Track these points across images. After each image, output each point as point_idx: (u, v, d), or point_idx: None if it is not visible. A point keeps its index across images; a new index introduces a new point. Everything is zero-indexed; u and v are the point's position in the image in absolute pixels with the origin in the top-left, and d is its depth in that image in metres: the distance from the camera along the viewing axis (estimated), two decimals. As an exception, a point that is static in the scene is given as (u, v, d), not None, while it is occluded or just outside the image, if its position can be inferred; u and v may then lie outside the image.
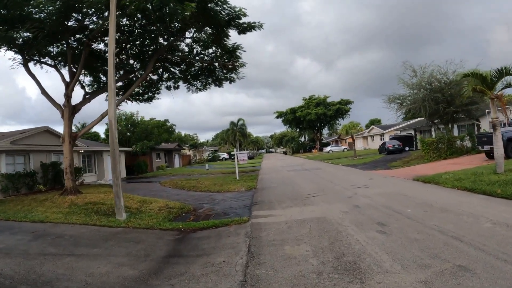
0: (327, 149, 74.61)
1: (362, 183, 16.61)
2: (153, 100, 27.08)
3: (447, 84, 28.14)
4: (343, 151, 71.00)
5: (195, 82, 24.55)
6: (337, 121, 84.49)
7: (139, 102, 26.87)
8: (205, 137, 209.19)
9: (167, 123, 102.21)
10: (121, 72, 22.98)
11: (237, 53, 20.95)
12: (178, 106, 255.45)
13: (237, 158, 26.19)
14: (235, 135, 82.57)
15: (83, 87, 22.88)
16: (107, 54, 22.60)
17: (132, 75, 24.41)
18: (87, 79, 24.21)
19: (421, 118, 56.69)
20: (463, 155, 27.15)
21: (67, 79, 20.00)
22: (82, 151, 30.14)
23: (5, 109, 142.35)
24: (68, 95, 19.64)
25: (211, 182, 23.04)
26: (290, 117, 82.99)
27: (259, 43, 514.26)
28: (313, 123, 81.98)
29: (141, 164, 40.34)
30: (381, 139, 62.44)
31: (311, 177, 22.09)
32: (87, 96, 21.61)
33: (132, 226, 10.90)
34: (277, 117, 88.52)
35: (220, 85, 23.62)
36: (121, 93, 26.51)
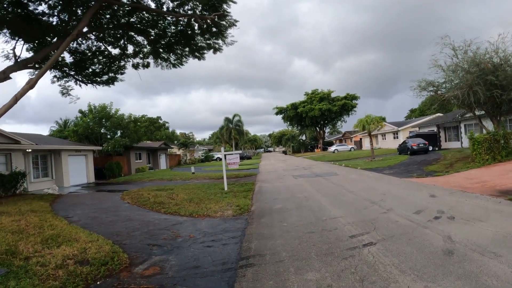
0: (331, 148, 67.76)
1: (431, 207, 9.89)
2: (115, 83, 20.31)
3: (499, 64, 21.50)
4: (350, 150, 64.37)
5: (168, 56, 17.89)
6: (342, 118, 77.40)
7: (95, 84, 20.12)
8: (202, 136, 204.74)
9: (159, 120, 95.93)
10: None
11: (225, 7, 14.24)
12: (176, 105, 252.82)
13: (226, 160, 19.09)
14: (231, 132, 75.18)
15: (17, 61, 16.26)
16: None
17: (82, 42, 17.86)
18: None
19: (440, 114, 50.30)
20: (519, 156, 20.72)
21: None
22: (30, 150, 23.27)
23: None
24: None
25: (188, 195, 16.15)
26: (291, 113, 75.54)
27: (257, 43, 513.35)
28: (316, 120, 74.64)
29: (113, 166, 33.33)
30: (394, 137, 55.73)
31: (333, 190, 15.18)
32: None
33: None
34: (277, 114, 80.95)
35: (200, 56, 16.88)
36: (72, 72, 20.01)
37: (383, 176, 19.70)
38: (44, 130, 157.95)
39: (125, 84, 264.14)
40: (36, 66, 17.88)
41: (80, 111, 38.11)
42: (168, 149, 56.30)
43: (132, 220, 11.59)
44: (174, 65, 17.92)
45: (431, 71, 28.43)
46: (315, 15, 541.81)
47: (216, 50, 16.18)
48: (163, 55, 17.90)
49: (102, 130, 37.30)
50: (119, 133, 38.78)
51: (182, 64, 17.83)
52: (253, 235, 8.34)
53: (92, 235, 9.42)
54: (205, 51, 16.60)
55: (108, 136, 37.54)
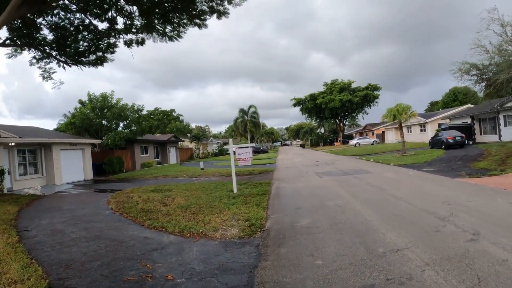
0: (353, 142, 63.97)
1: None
2: (104, 64, 17.19)
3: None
4: (372, 144, 60.53)
5: (163, 27, 14.63)
6: (364, 110, 73.00)
7: (80, 65, 17.01)
8: (219, 129, 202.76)
9: (173, 113, 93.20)
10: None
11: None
12: (193, 99, 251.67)
13: (235, 156, 15.55)
14: (246, 125, 71.20)
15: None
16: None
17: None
18: None
19: (470, 105, 46.39)
20: None
21: None
22: (13, 144, 20.24)
23: (23, 104, 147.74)
24: None
25: (186, 199, 12.77)
26: (310, 104, 71.49)
27: (273, 37, 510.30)
28: (336, 112, 70.45)
29: (113, 161, 30.32)
30: (421, 130, 51.64)
31: (374, 195, 11.63)
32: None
33: None
34: (294, 105, 76.93)
35: (201, 23, 13.68)
36: (54, 52, 16.99)
37: (426, 175, 16.15)
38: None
39: (142, 78, 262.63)
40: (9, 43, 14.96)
41: (80, 101, 34.83)
42: (179, 142, 52.85)
43: (101, 239, 8.36)
44: (170, 38, 14.69)
45: (473, 53, 24.65)
46: (331, 9, 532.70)
47: (221, 14, 12.86)
48: (158, 27, 14.64)
49: (104, 122, 34.03)
50: (121, 125, 35.61)
51: (180, 37, 14.61)
52: (267, 286, 4.95)
53: (29, 267, 6.38)
54: (207, 16, 13.32)
55: (113, 128, 34.32)
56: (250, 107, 73.36)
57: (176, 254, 6.81)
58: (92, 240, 8.33)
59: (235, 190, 14.10)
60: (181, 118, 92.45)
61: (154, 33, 14.94)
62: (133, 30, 15.67)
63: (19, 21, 15.32)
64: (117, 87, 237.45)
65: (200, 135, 64.63)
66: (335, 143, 79.90)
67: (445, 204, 9.20)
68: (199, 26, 13.80)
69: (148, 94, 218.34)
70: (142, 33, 15.72)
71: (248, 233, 7.83)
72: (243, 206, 10.74)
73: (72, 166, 25.98)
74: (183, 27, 14.19)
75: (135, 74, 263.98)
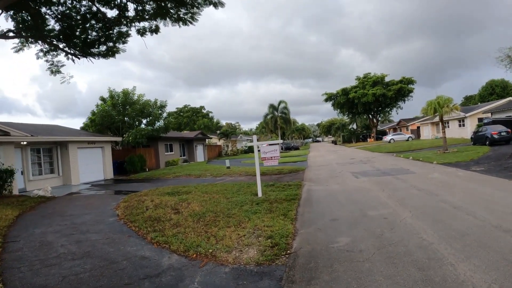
0: (387, 138, 61.24)
1: None
2: (116, 55, 15.79)
3: None
4: (408, 140, 57.80)
5: (177, 11, 13.07)
6: (398, 104, 69.87)
7: (90, 57, 15.69)
8: (249, 126, 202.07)
9: (203, 110, 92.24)
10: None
11: None
12: (224, 97, 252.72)
13: (260, 154, 13.61)
14: (276, 121, 69.17)
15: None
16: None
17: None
18: None
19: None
20: None
21: None
22: (25, 143, 19.10)
23: (56, 103, 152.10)
24: None
25: (202, 205, 11.09)
26: (342, 99, 69.04)
27: (303, 33, 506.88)
28: (369, 107, 67.85)
29: (134, 159, 29.21)
30: (459, 125, 48.58)
31: (425, 204, 9.60)
32: None
33: None
34: (326, 100, 74.76)
35: (217, 1, 11.94)
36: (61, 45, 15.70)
37: (478, 176, 13.85)
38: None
39: (173, 77, 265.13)
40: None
41: (101, 98, 33.71)
42: (207, 140, 51.51)
43: (89, 257, 6.87)
44: (185, 22, 13.23)
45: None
46: (360, 4, 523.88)
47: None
48: (171, 11, 13.08)
49: (126, 119, 32.67)
50: (144, 121, 34.33)
51: (194, 20, 13.15)
52: None
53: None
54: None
55: (135, 125, 33.08)
56: (280, 102, 71.36)
57: (173, 287, 5.14)
58: (80, 258, 6.82)
59: (259, 194, 12.35)
60: (210, 115, 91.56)
61: (167, 18, 13.43)
62: (145, 16, 14.22)
63: (26, 13, 14.15)
64: (148, 86, 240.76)
65: (229, 132, 62.82)
66: (368, 139, 77.15)
67: (518, 216, 7.20)
68: (215, 5, 12.16)
69: (179, 92, 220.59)
70: (155, 20, 14.23)
71: (270, 257, 6.02)
72: (267, 216, 8.93)
73: (91, 165, 24.86)
74: (198, 8, 12.61)
75: (166, 72, 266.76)
